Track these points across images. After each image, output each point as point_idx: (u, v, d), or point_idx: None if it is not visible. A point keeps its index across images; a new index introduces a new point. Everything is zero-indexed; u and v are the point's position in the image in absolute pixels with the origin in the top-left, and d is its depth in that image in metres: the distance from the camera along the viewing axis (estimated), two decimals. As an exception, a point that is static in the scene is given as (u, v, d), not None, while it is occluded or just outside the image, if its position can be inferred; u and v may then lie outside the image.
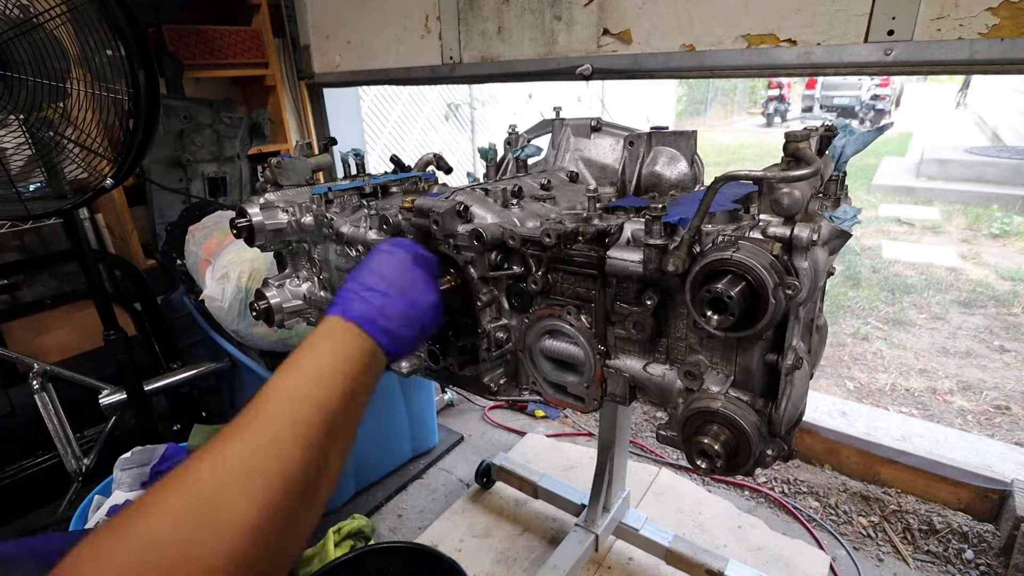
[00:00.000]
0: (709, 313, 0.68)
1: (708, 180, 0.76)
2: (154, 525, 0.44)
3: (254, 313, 1.31)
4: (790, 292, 0.65)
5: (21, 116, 1.32)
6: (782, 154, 0.75)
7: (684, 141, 1.13)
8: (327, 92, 2.66)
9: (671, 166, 1.14)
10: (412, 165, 1.45)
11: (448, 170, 1.45)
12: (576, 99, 7.23)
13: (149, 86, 1.31)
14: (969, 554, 1.78)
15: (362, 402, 0.64)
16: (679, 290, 0.76)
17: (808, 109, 15.54)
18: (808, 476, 2.11)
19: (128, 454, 1.53)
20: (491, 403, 2.66)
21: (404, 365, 1.13)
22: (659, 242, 0.73)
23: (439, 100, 5.71)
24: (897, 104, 15.96)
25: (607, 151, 1.23)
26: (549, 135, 1.33)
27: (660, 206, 0.73)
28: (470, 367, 1.03)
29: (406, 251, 0.81)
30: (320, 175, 1.51)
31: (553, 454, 2.31)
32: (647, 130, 1.18)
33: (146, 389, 1.80)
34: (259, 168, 1.41)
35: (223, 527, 0.45)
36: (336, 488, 0.59)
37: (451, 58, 1.92)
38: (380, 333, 0.69)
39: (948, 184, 7.22)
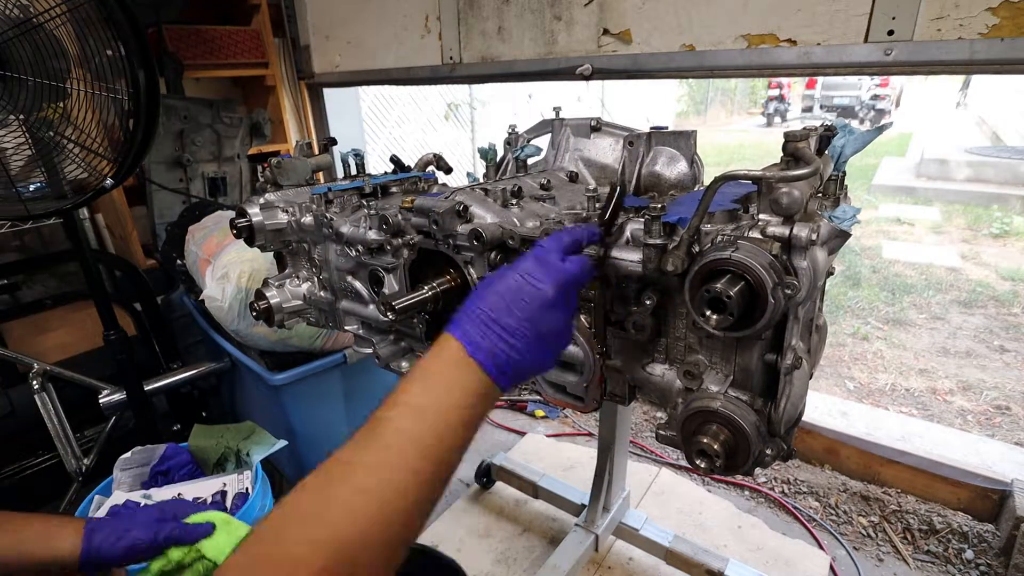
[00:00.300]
0: (708, 313, 0.68)
1: (708, 180, 0.76)
2: (268, 524, 0.50)
3: (254, 313, 1.32)
4: (789, 292, 0.65)
5: (21, 116, 1.32)
6: (781, 154, 0.75)
7: (684, 141, 1.13)
8: (327, 92, 2.67)
9: (671, 166, 1.14)
10: (412, 165, 1.45)
11: (448, 170, 1.45)
12: (576, 99, 7.23)
13: (149, 86, 1.31)
14: (969, 554, 1.78)
15: (469, 442, 0.61)
16: (678, 290, 0.76)
17: (808, 109, 15.54)
18: (808, 476, 2.11)
19: (128, 454, 1.53)
20: (491, 403, 2.65)
21: (404, 364, 1.13)
22: (658, 242, 0.73)
23: (439, 100, 5.71)
24: (897, 104, 15.96)
25: (607, 151, 1.23)
26: (549, 135, 1.33)
27: (659, 206, 0.73)
28: (470, 367, 1.03)
29: (558, 287, 0.66)
30: (320, 175, 1.51)
31: (553, 454, 2.31)
32: (647, 130, 1.18)
33: (146, 389, 1.80)
34: (259, 168, 1.41)
35: (322, 537, 0.48)
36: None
37: (451, 58, 1.92)
38: (504, 380, 0.62)
39: (948, 184, 7.22)
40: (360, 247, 1.10)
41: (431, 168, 1.42)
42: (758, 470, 0.80)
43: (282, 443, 1.59)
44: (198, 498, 1.44)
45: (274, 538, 0.49)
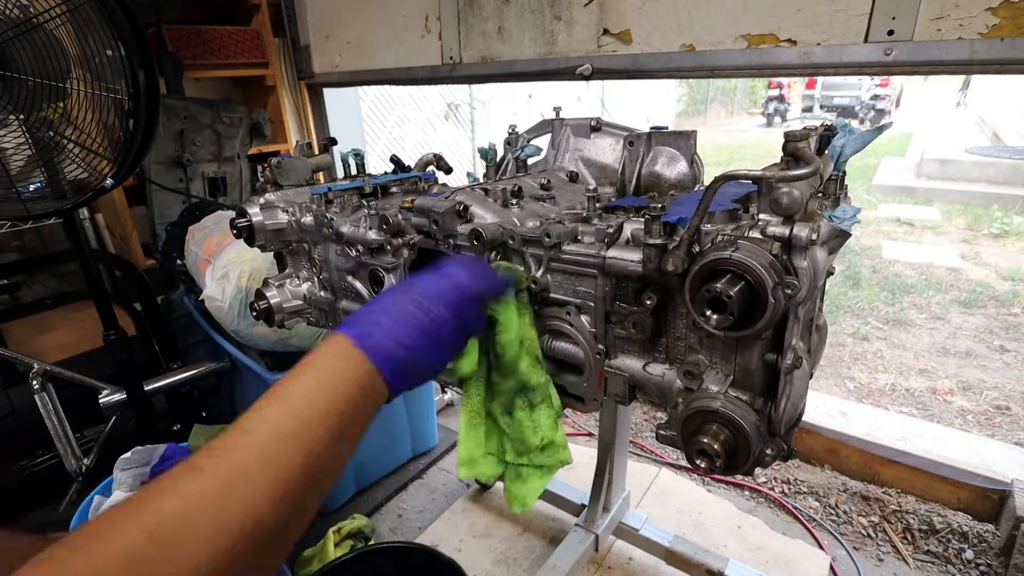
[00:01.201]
0: (708, 312, 0.68)
1: (708, 180, 0.76)
2: (101, 555, 0.39)
3: (254, 313, 1.32)
4: (789, 291, 0.65)
5: (21, 116, 1.32)
6: (782, 154, 0.75)
7: (684, 141, 1.13)
8: (327, 92, 2.67)
9: (671, 166, 1.14)
10: (412, 165, 1.45)
11: (448, 170, 1.45)
12: (576, 99, 7.23)
13: (149, 86, 1.31)
14: (969, 554, 1.78)
15: (353, 442, 0.57)
16: (679, 290, 0.76)
17: (808, 109, 15.55)
18: (808, 476, 2.11)
19: (128, 454, 1.53)
20: (491, 403, 2.65)
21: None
22: (658, 242, 0.73)
23: (439, 100, 5.71)
24: (897, 104, 15.97)
25: (607, 151, 1.23)
26: (549, 135, 1.33)
27: (659, 206, 0.73)
28: (470, 367, 1.03)
29: (454, 312, 0.68)
30: (320, 175, 1.51)
31: (553, 454, 2.31)
32: (647, 130, 1.18)
33: (146, 389, 1.80)
34: (259, 168, 1.41)
35: (171, 572, 0.40)
36: (312, 521, 0.54)
37: (451, 58, 1.92)
38: (390, 371, 0.60)
39: (948, 184, 7.22)
40: (360, 247, 1.10)
41: (431, 168, 1.42)
42: (758, 470, 0.80)
43: (282, 443, 1.59)
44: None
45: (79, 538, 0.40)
